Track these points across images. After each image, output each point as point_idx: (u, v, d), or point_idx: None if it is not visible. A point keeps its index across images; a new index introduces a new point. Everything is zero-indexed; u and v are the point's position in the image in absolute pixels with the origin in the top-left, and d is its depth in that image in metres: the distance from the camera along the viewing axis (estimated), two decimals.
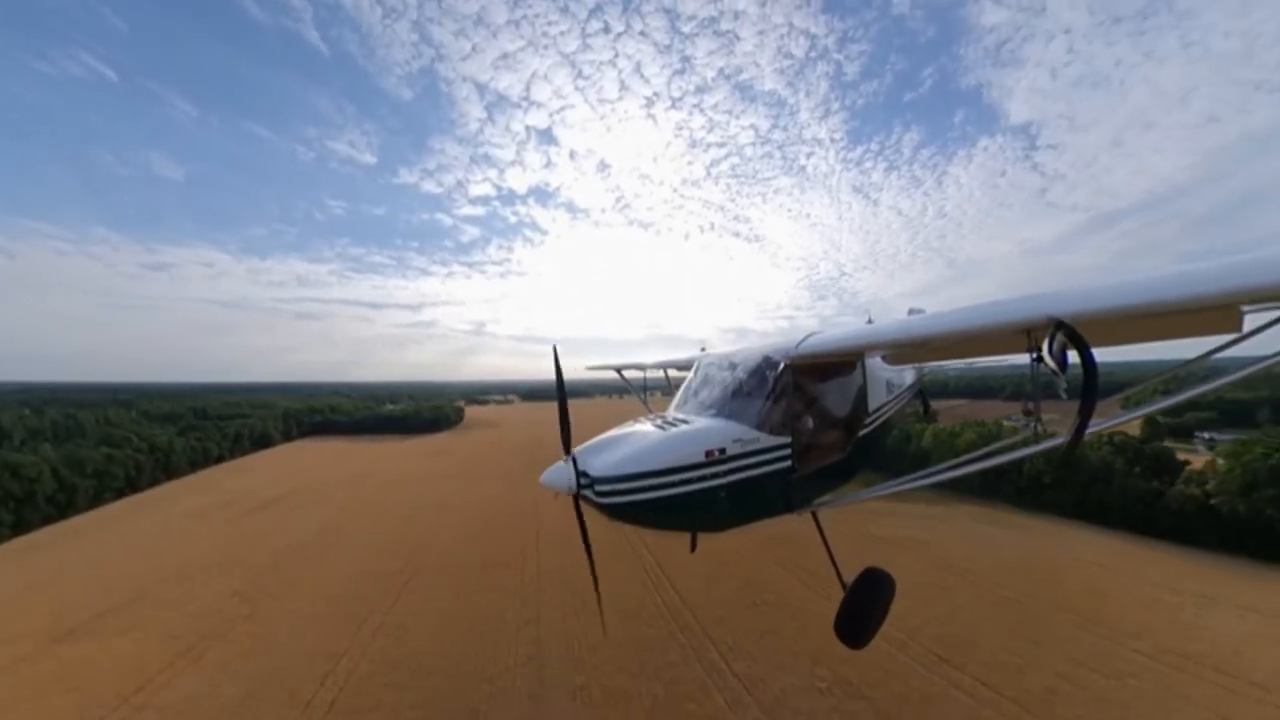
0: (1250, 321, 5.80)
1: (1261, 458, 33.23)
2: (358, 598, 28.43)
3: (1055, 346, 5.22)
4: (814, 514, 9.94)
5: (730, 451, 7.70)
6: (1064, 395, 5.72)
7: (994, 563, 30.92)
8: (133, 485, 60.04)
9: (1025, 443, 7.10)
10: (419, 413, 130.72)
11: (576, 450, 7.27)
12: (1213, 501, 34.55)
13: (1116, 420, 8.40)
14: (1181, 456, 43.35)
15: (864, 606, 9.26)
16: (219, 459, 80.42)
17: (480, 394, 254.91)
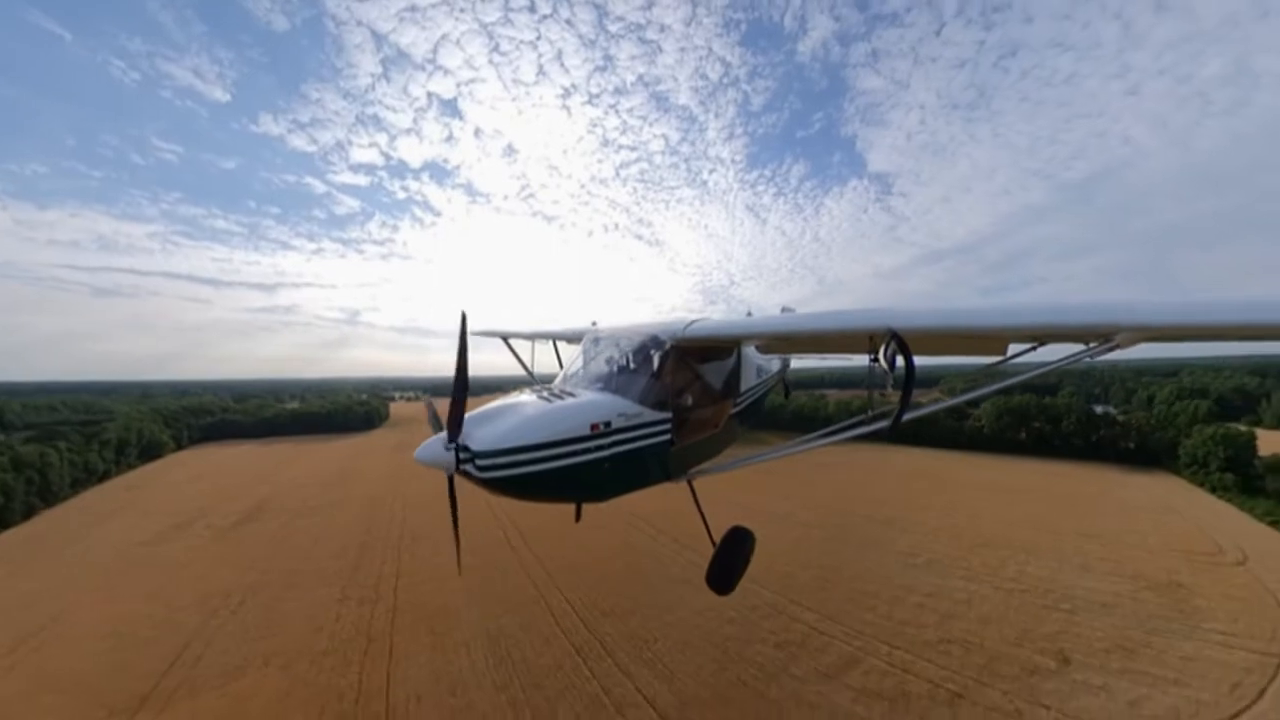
0: (1012, 349, 8.01)
1: (999, 408, 78.24)
2: None
3: (889, 351, 6.51)
4: (689, 482, 10.43)
5: (614, 425, 7.86)
6: (890, 389, 7.04)
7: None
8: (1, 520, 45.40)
9: (862, 422, 8.72)
10: (349, 409, 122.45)
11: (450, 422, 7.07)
12: (983, 427, 78.82)
13: (925, 410, 9.33)
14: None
15: (730, 560, 10.20)
16: (104, 475, 65.88)
17: (361, 392, 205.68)
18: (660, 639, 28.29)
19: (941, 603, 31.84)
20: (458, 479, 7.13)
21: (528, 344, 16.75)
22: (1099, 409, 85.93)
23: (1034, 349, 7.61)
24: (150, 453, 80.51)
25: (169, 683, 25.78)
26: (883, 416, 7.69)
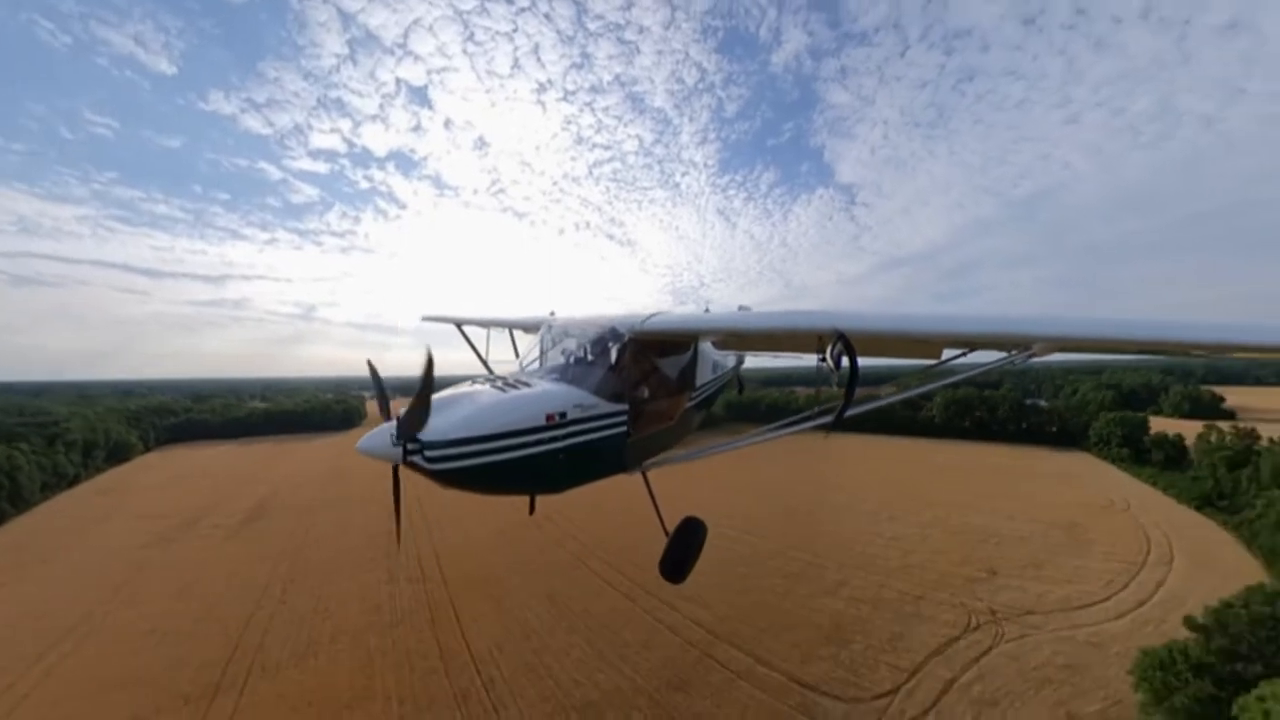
0: (947, 353, 8.71)
1: (946, 400, 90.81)
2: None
3: (835, 351, 7.05)
4: (644, 474, 10.47)
5: (570, 416, 7.79)
6: (835, 386, 7.46)
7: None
8: None
9: (808, 418, 8.86)
10: (327, 407, 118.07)
11: (403, 413, 6.55)
12: (934, 417, 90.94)
13: (867, 406, 9.39)
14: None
15: (683, 550, 10.31)
16: (74, 479, 62.21)
17: (325, 391, 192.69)
18: (690, 582, 35.39)
19: (902, 544, 40.60)
20: (404, 470, 6.81)
21: (483, 334, 16.37)
22: (1030, 401, 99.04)
23: (966, 354, 8.36)
24: (118, 455, 75.21)
25: (236, 669, 26.48)
26: (831, 411, 8.10)
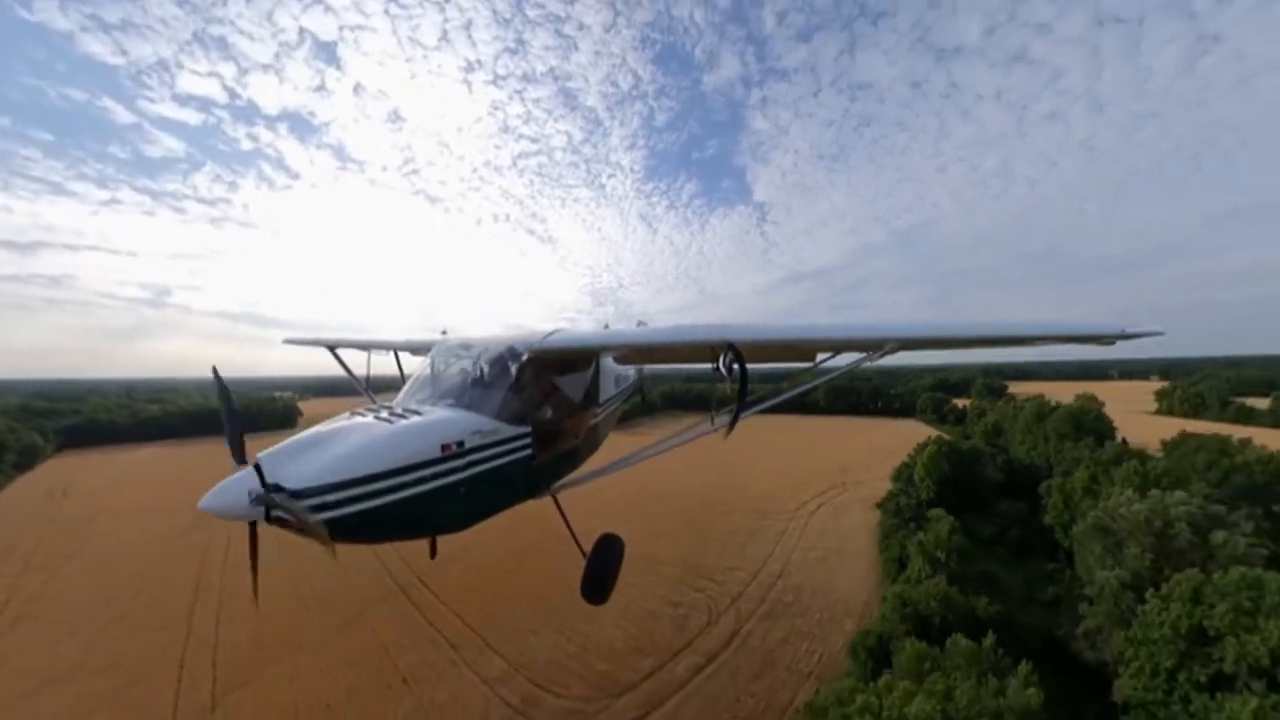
0: (820, 357, 10.01)
1: (828, 386, 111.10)
2: None
3: (727, 360, 7.75)
4: (554, 496, 10.29)
5: (469, 444, 7.37)
6: (730, 392, 8.13)
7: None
8: None
9: (707, 421, 9.85)
10: (262, 406, 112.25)
11: (262, 455, 5.80)
12: (819, 400, 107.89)
13: (758, 407, 9.66)
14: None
15: (602, 570, 10.41)
16: None
17: (166, 393, 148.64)
18: (660, 525, 60.01)
19: (800, 463, 68.75)
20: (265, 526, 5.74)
21: (362, 356, 14.72)
22: (886, 390, 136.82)
23: (833, 356, 9.40)
24: (26, 461, 66.93)
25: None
26: (728, 410, 8.42)
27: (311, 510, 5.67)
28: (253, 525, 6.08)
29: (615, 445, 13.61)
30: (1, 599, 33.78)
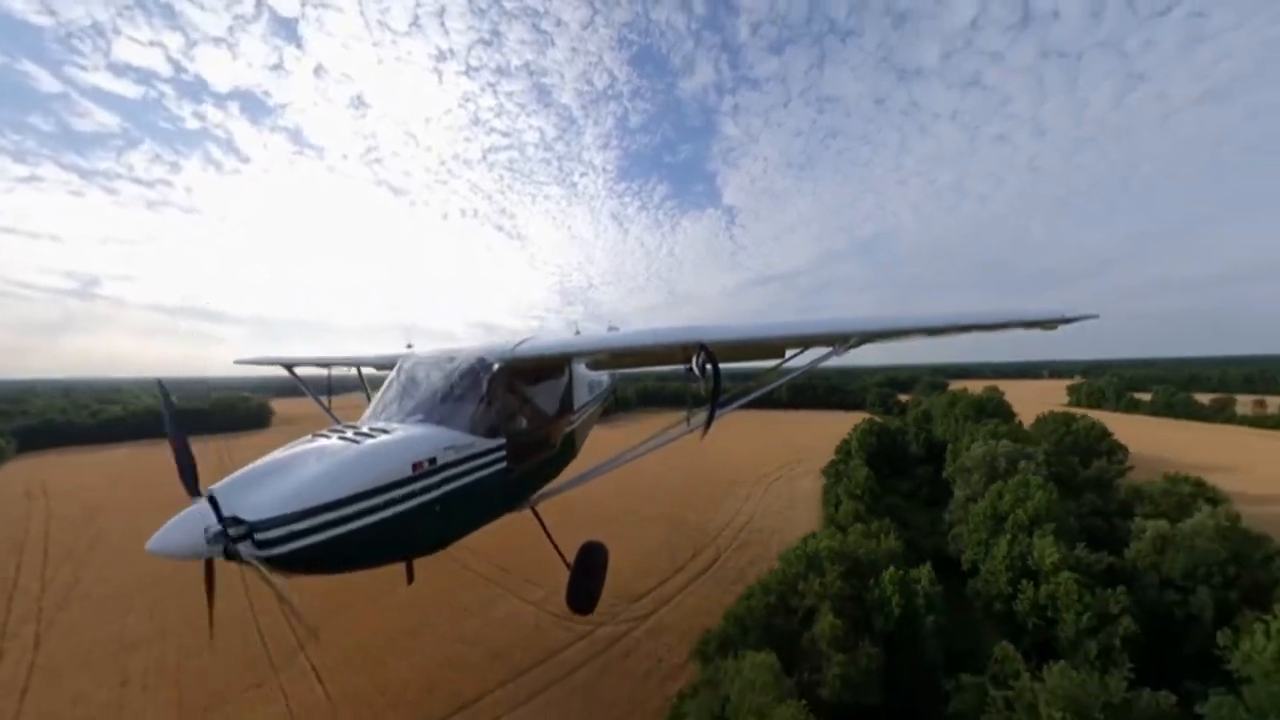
0: (789, 353, 10.35)
1: (790, 386, 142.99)
2: None
3: (700, 361, 7.81)
4: (533, 509, 10.32)
5: (442, 460, 7.19)
6: (703, 393, 8.18)
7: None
8: None
9: (683, 423, 10.21)
10: (232, 404, 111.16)
11: (216, 487, 5.49)
12: (782, 395, 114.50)
13: (731, 406, 10.03)
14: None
15: (587, 579, 10.53)
16: None
17: (111, 393, 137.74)
18: (649, 496, 70.55)
19: (767, 450, 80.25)
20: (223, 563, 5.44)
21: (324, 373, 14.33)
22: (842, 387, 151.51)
23: (801, 352, 9.71)
24: None
25: None
26: (703, 409, 8.52)
27: (269, 544, 5.38)
28: (209, 565, 5.85)
29: (594, 438, 14.30)
30: (37, 585, 35.27)
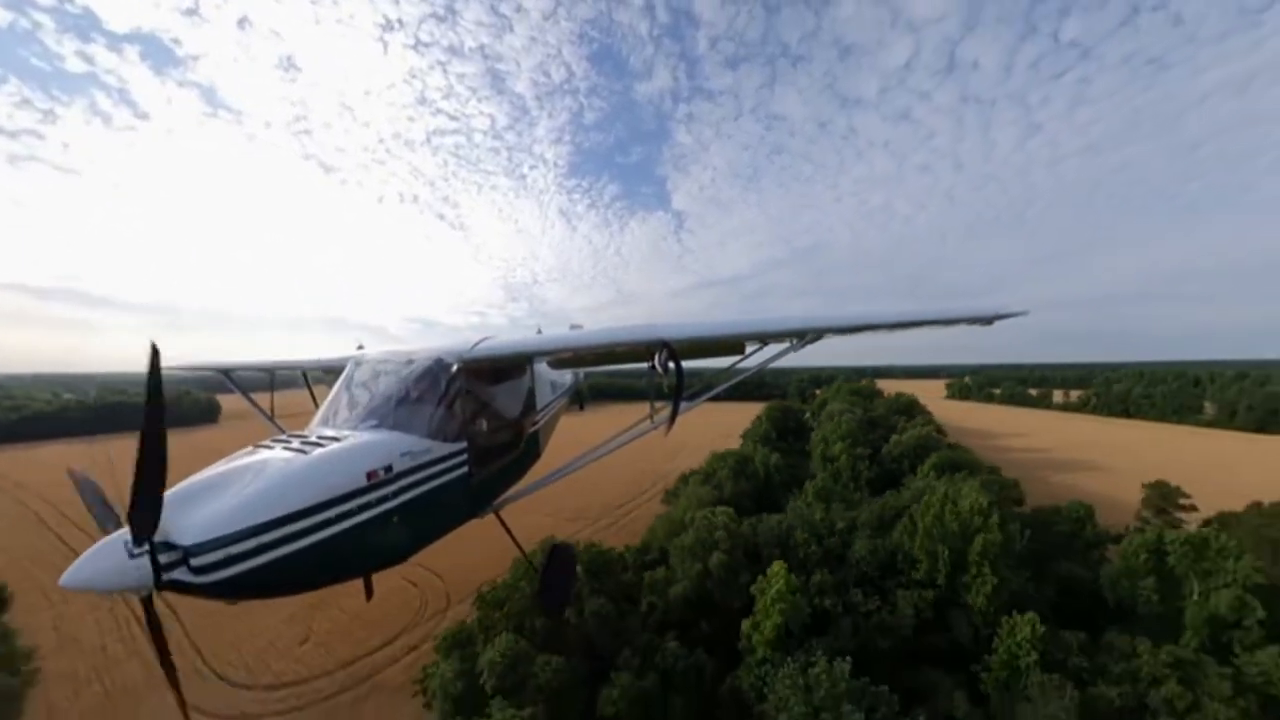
0: (749, 349, 10.75)
1: (741, 382, 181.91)
2: None
3: (663, 359, 7.94)
4: (497, 513, 10.06)
5: (398, 468, 6.82)
6: (666, 390, 8.40)
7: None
8: None
9: (647, 420, 10.26)
10: (178, 399, 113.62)
11: (140, 505, 4.61)
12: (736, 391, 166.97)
13: (693, 404, 10.29)
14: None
15: (557, 580, 10.74)
16: None
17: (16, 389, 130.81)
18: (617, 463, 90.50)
19: (697, 433, 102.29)
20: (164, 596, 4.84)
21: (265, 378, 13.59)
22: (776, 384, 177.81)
23: (761, 349, 10.09)
24: None
25: None
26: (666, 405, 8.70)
27: (206, 569, 4.79)
28: (148, 602, 5.03)
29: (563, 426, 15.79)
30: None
